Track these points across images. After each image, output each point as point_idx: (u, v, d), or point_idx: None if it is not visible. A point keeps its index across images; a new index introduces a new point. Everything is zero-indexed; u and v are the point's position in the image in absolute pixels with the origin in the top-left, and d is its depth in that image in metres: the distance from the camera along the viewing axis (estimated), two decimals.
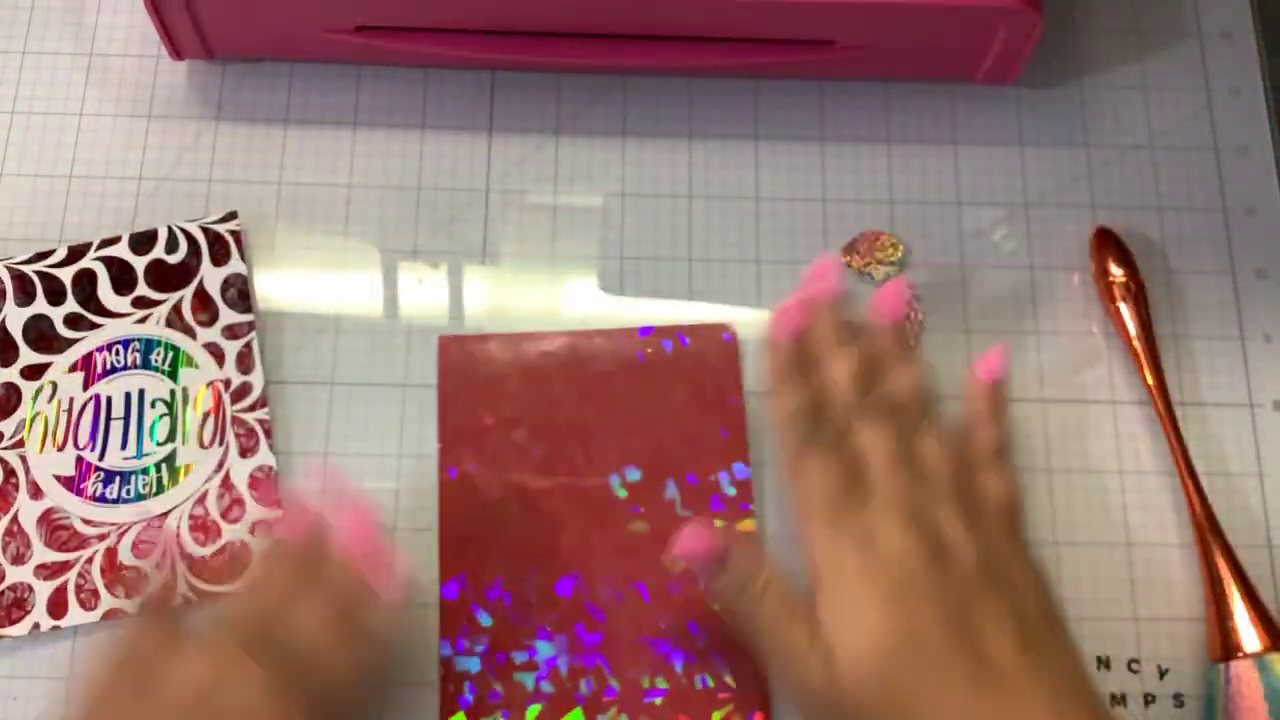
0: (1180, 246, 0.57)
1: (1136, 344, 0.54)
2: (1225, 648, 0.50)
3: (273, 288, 0.56)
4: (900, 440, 0.45)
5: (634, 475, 0.53)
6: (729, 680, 0.50)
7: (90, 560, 0.51)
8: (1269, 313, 0.57)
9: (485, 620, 0.51)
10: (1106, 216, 0.58)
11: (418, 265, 0.56)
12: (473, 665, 0.50)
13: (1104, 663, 0.51)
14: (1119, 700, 0.51)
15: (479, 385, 0.54)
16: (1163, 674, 0.51)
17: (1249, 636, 0.49)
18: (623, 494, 0.53)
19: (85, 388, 0.54)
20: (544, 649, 0.50)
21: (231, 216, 0.56)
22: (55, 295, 0.55)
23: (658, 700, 0.50)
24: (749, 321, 0.56)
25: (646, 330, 0.55)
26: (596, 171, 0.58)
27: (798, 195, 0.58)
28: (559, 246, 0.57)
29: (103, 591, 0.51)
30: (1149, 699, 0.51)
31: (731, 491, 0.53)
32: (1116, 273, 0.55)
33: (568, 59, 0.56)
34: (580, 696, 0.50)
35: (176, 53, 0.57)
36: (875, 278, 0.56)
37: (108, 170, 0.57)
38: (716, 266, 0.57)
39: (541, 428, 0.53)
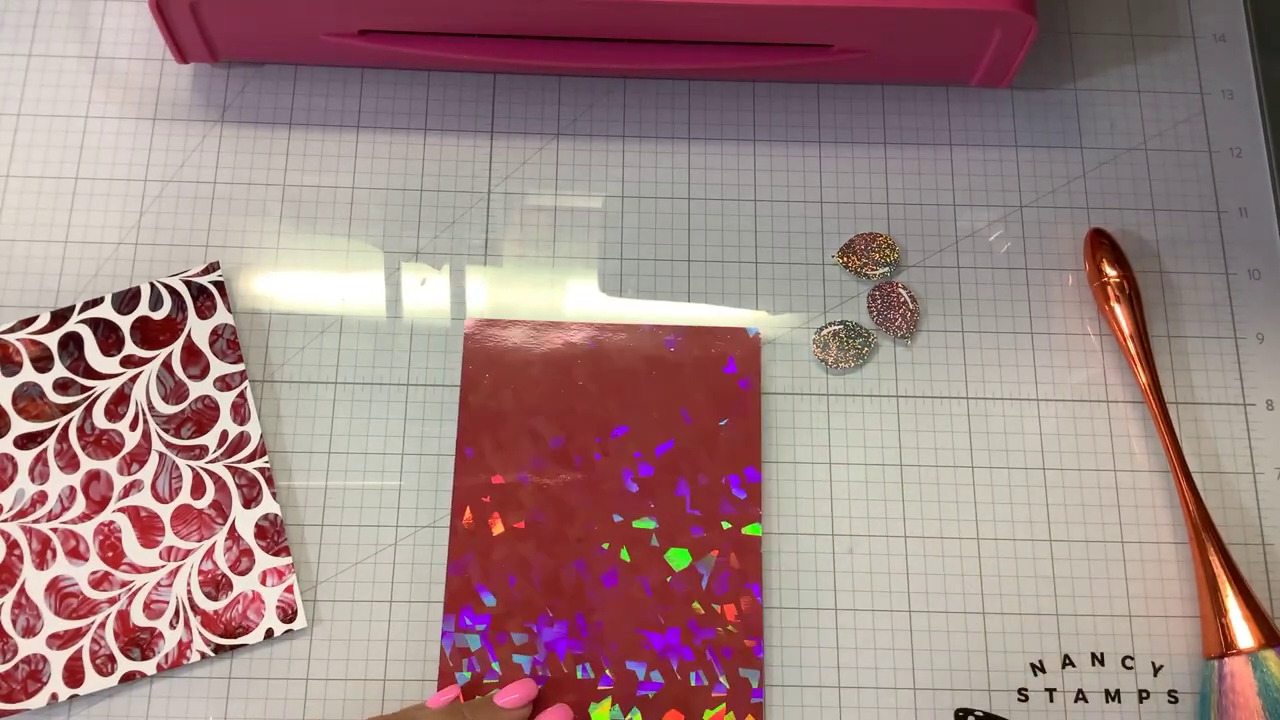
0: (1174, 247, 0.58)
1: (1130, 344, 0.55)
2: (1219, 644, 0.50)
3: (277, 288, 0.56)
4: None
5: (647, 471, 0.53)
6: (724, 681, 0.51)
7: (103, 625, 0.50)
8: (1262, 313, 0.57)
9: (489, 599, 0.52)
10: (1101, 218, 0.58)
11: (420, 266, 0.57)
12: (473, 642, 0.51)
13: (1098, 659, 0.52)
14: (1113, 696, 0.51)
15: (502, 369, 0.55)
16: (1157, 670, 0.52)
17: (1242, 633, 0.50)
18: (634, 489, 0.53)
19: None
20: (544, 633, 0.51)
21: (214, 267, 0.56)
22: (42, 361, 0.54)
23: (651, 694, 0.51)
24: (748, 322, 0.56)
25: (671, 330, 0.55)
26: (597, 173, 0.58)
27: (795, 197, 0.58)
28: (560, 247, 0.57)
29: (118, 655, 0.50)
30: (1143, 695, 0.52)
31: (741, 495, 0.53)
32: (1110, 273, 0.56)
33: (568, 62, 0.57)
34: (575, 683, 0.51)
35: (181, 56, 0.58)
36: (871, 278, 0.57)
37: (113, 172, 0.58)
38: (715, 267, 0.57)
39: (560, 416, 0.54)
